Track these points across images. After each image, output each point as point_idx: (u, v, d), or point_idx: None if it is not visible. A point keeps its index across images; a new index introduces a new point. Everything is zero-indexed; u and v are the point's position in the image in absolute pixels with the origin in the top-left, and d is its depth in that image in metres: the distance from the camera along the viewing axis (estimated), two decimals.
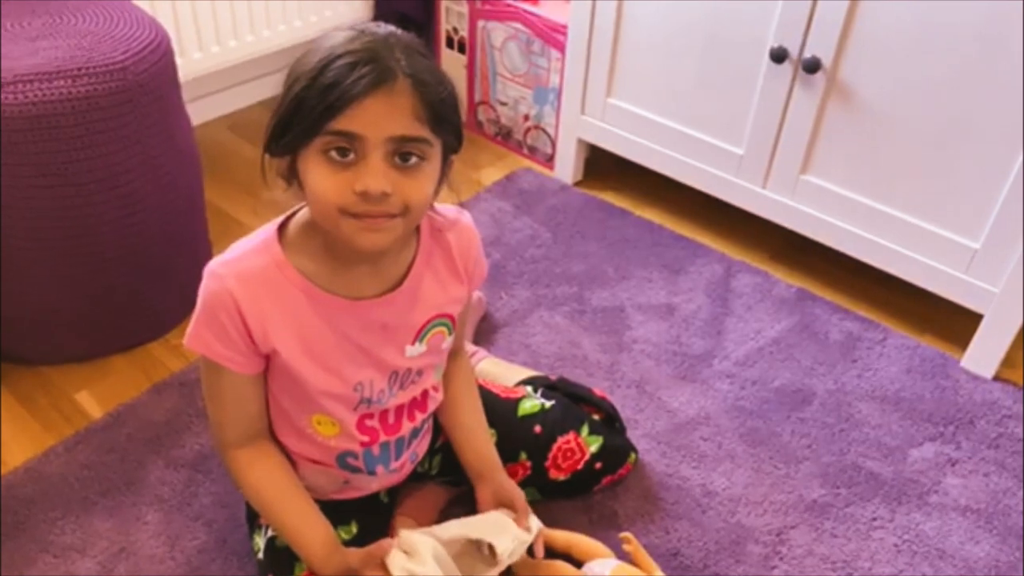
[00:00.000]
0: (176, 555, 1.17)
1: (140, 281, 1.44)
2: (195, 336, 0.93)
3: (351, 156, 0.82)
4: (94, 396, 1.40)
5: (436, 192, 0.91)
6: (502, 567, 1.04)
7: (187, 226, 1.50)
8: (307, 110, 0.81)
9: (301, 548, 0.98)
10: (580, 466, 1.20)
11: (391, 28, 0.86)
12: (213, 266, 0.93)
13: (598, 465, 1.22)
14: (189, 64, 1.83)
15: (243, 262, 0.92)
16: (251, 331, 0.91)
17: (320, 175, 0.83)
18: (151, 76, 1.32)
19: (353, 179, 0.82)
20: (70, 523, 1.20)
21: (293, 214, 0.96)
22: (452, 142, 0.89)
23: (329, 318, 0.94)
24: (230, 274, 0.91)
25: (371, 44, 0.82)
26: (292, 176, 0.88)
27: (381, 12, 2.14)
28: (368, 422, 1.02)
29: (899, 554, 1.23)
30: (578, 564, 1.14)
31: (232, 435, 0.99)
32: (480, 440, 1.13)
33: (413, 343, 1.00)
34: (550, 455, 1.19)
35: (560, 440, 1.19)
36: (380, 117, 0.80)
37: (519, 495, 1.10)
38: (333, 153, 0.82)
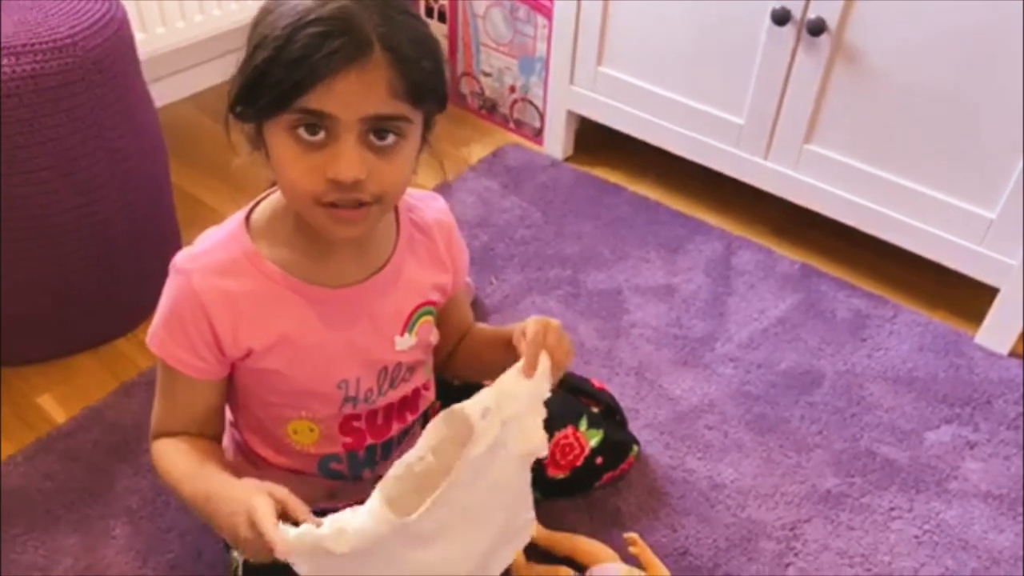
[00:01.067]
0: (147, 571, 1.08)
1: (104, 274, 1.34)
2: (155, 337, 0.86)
3: (321, 135, 0.74)
4: (57, 399, 1.30)
5: (416, 160, 0.84)
6: (486, 423, 0.77)
7: (153, 213, 1.40)
8: (273, 84, 0.72)
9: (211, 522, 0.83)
10: (580, 462, 1.13)
11: None
12: (178, 261, 0.85)
13: (599, 460, 1.14)
14: (152, 40, 1.72)
15: (210, 256, 0.85)
16: (218, 336, 0.84)
17: (289, 157, 0.75)
18: (105, 52, 1.22)
19: (324, 163, 0.74)
20: (32, 540, 1.11)
21: (260, 201, 0.89)
22: (435, 108, 0.81)
23: (311, 310, 0.86)
24: (196, 270, 0.83)
25: (344, 7, 0.72)
26: (259, 141, 0.79)
27: None
28: (354, 423, 0.94)
29: (920, 546, 1.16)
30: (581, 568, 1.06)
31: (169, 429, 0.91)
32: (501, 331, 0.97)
33: (403, 333, 0.92)
34: (548, 451, 1.11)
35: (558, 435, 1.12)
36: (353, 96, 0.72)
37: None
38: (302, 131, 0.74)
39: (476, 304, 1.49)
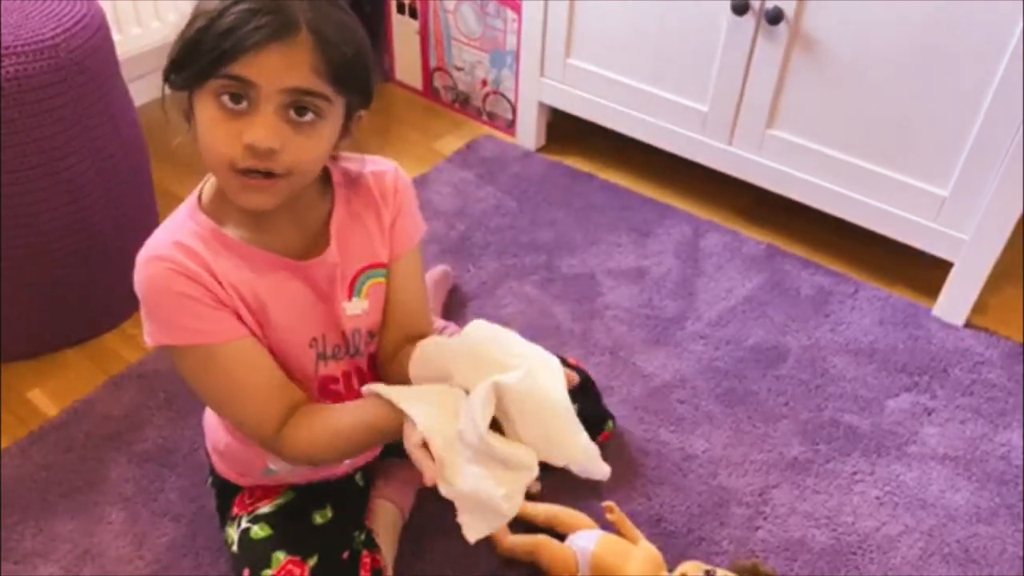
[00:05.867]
0: (144, 554, 1.12)
1: (89, 271, 1.37)
2: (160, 330, 0.86)
3: (243, 104, 0.78)
4: (47, 393, 1.33)
5: (336, 147, 0.88)
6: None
7: (135, 210, 1.44)
8: (203, 52, 0.77)
9: (392, 433, 0.86)
10: None
11: None
12: (142, 254, 0.87)
13: None
14: (128, 41, 1.75)
15: (172, 236, 0.87)
16: (213, 290, 0.86)
17: (211, 121, 0.79)
18: (85, 53, 1.25)
19: (243, 129, 0.78)
20: (30, 527, 1.14)
21: (205, 184, 0.93)
22: (358, 100, 0.85)
23: (270, 276, 0.89)
24: (164, 249, 0.86)
25: None
26: (191, 115, 0.83)
27: None
28: (332, 387, 0.98)
29: (881, 506, 1.22)
30: (561, 537, 1.12)
31: (272, 421, 0.88)
32: None
33: (350, 298, 0.94)
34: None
35: None
36: (276, 68, 0.77)
37: None
38: (226, 98, 0.78)
39: (455, 291, 1.53)
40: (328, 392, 0.98)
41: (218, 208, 0.90)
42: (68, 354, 1.40)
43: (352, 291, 0.94)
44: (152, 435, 1.27)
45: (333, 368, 0.97)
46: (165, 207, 1.59)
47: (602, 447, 1.24)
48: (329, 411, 0.91)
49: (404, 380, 0.91)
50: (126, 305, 1.45)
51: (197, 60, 0.77)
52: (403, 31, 2.03)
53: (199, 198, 0.91)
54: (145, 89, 1.95)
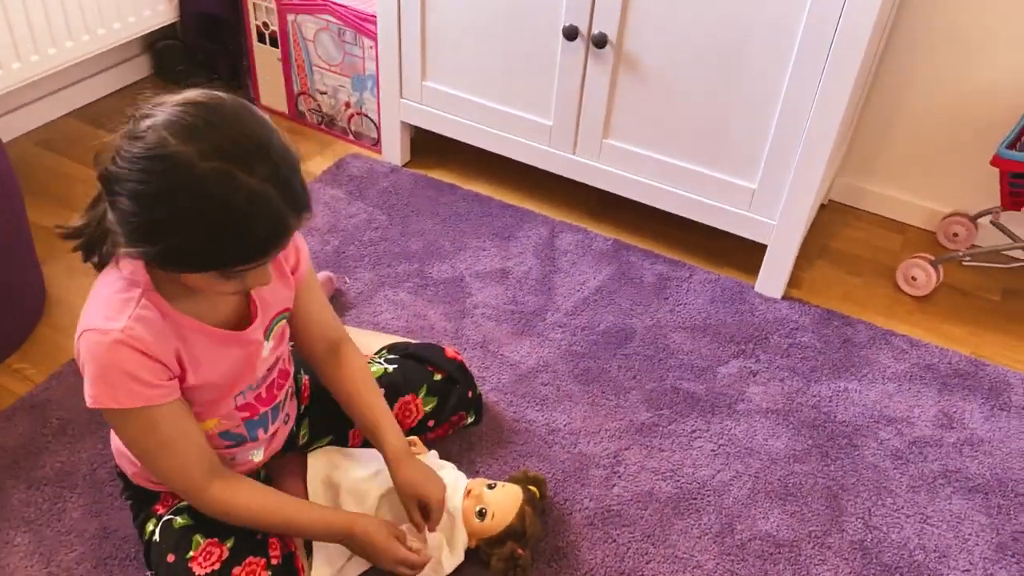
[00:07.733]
0: (53, 570, 1.19)
1: None
2: (107, 395, 0.94)
3: None
4: None
5: None
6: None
7: (13, 248, 1.48)
8: (229, 258, 0.88)
9: (335, 533, 1.11)
10: (415, 423, 1.33)
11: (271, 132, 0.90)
12: (98, 332, 0.93)
13: (430, 423, 1.34)
14: None
15: (122, 312, 0.94)
16: (160, 359, 0.96)
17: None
18: None
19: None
20: None
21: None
22: None
23: (218, 348, 1.02)
24: (120, 323, 0.93)
25: (283, 191, 0.87)
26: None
27: (186, 13, 2.12)
28: (247, 401, 1.11)
29: (716, 457, 1.43)
30: None
31: (198, 475, 1.02)
32: (387, 422, 1.19)
33: (263, 340, 1.08)
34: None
35: (401, 400, 1.31)
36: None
37: (433, 492, 1.16)
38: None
39: (337, 297, 1.65)
40: (244, 406, 1.10)
41: (169, 287, 0.97)
42: None
43: (265, 335, 1.08)
44: (49, 461, 1.33)
45: (248, 396, 1.10)
46: (42, 243, 1.64)
47: (456, 427, 1.39)
48: (274, 499, 1.10)
49: (338, 385, 1.19)
50: (8, 342, 1.49)
51: (218, 260, 0.88)
52: (266, 59, 2.13)
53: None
54: (8, 126, 1.98)
